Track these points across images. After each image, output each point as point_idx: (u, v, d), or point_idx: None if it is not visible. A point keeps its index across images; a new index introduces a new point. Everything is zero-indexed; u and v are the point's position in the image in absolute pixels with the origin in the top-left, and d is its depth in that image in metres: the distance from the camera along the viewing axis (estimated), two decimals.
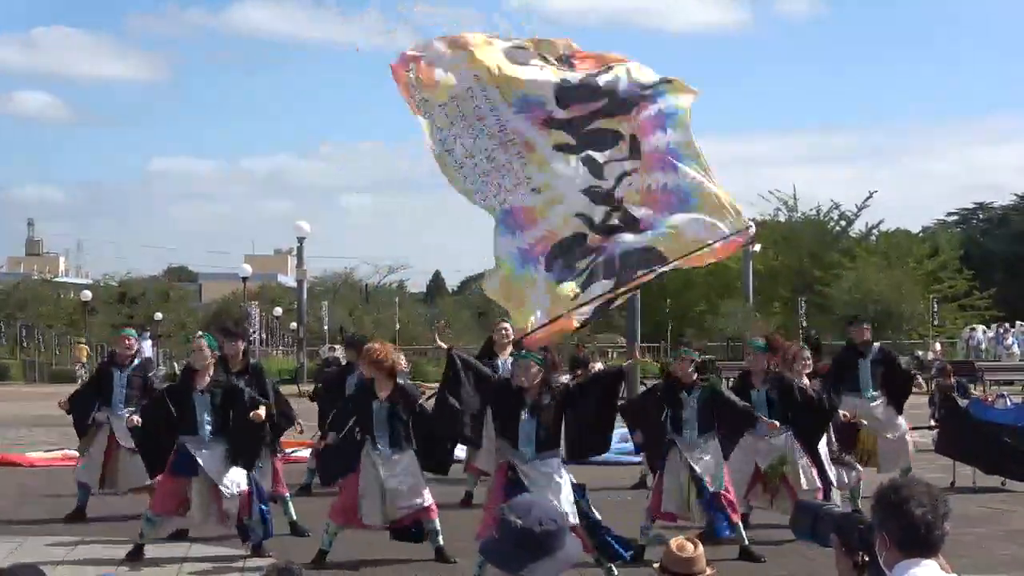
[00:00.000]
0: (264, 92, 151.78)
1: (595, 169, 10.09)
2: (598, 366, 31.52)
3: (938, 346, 39.50)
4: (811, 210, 52.54)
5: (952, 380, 17.30)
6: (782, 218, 52.85)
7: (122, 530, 11.16)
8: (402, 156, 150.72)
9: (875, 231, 52.93)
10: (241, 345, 11.86)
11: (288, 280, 74.50)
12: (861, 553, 3.79)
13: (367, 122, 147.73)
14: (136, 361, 12.53)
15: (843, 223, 52.57)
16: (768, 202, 52.59)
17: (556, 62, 10.52)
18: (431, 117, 10.38)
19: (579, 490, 9.05)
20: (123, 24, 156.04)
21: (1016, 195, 71.36)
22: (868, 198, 51.94)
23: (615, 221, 9.87)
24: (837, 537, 3.93)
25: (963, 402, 15.67)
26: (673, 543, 5.06)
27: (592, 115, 10.34)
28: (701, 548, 5.04)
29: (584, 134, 10.32)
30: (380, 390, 9.82)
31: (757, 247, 43.19)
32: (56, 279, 74.81)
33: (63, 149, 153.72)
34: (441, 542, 9.89)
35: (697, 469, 9.96)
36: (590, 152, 10.22)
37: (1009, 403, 15.87)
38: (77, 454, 12.88)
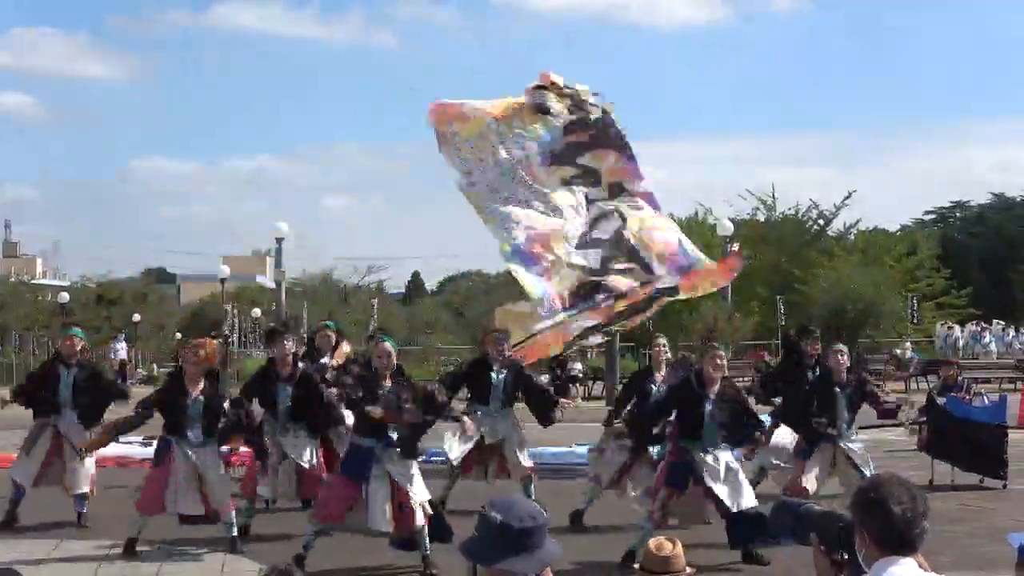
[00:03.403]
0: (244, 92, 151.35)
1: (588, 205, 12.13)
2: (577, 366, 31.75)
3: (908, 344, 39.47)
4: (790, 209, 52.73)
5: (956, 374, 17.41)
6: (761, 217, 52.97)
7: (105, 530, 11.13)
8: (380, 157, 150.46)
9: (853, 230, 53.09)
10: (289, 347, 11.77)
11: (267, 281, 74.34)
12: (840, 552, 3.79)
13: (346, 123, 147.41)
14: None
15: (821, 222, 52.74)
16: (747, 201, 52.77)
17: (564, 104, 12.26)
18: (457, 151, 11.77)
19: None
20: (103, 24, 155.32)
21: (992, 194, 71.83)
22: (847, 197, 52.09)
23: (622, 265, 11.92)
24: (816, 536, 3.94)
25: (941, 400, 15.70)
26: (652, 543, 5.07)
27: (581, 146, 12.19)
28: (680, 547, 5.05)
29: (578, 165, 12.22)
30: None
31: (735, 246, 43.27)
32: (33, 281, 74.40)
33: (41, 150, 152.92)
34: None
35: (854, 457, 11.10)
36: (583, 187, 12.27)
37: (986, 401, 15.95)
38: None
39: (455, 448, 12.32)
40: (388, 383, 9.67)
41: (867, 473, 10.84)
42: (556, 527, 10.84)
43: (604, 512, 12.08)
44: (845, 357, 11.43)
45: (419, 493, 9.62)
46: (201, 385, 10.55)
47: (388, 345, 9.81)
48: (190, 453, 10.32)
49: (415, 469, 9.68)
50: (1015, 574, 3.76)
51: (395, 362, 9.81)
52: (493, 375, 12.37)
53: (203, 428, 10.43)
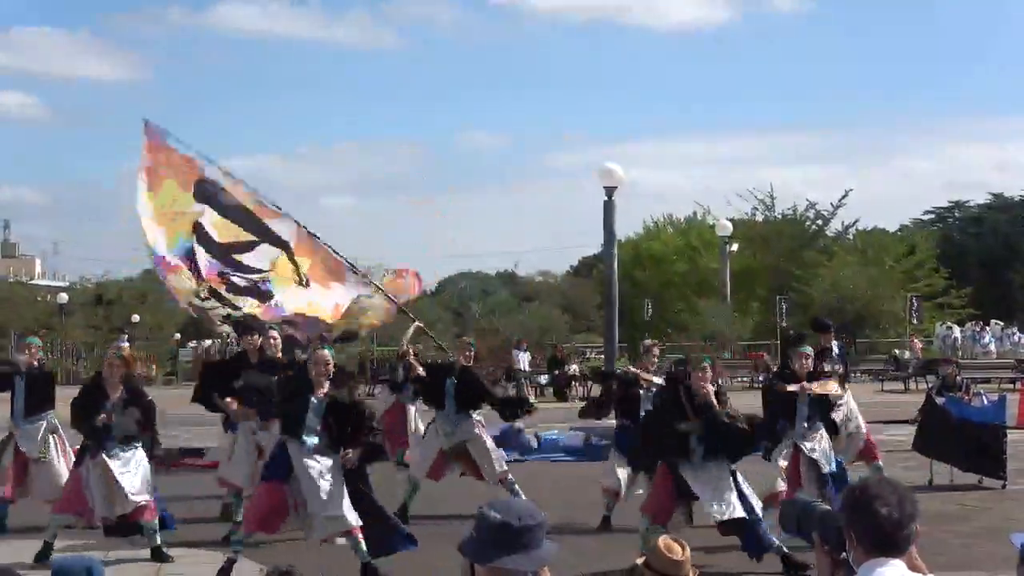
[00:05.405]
0: (244, 92, 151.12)
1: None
2: (574, 367, 31.70)
3: (918, 343, 39.44)
4: (788, 209, 52.76)
5: (955, 374, 17.48)
6: (759, 217, 53.01)
7: (101, 530, 11.11)
8: (381, 157, 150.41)
9: (852, 230, 53.12)
10: (258, 340, 12.18)
11: None
12: (841, 551, 3.79)
13: (346, 123, 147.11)
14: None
15: (820, 222, 52.79)
16: (746, 201, 52.79)
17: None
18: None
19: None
20: (103, 23, 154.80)
21: (991, 194, 71.83)
22: (844, 197, 52.17)
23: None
24: (818, 535, 3.94)
25: (940, 400, 15.71)
26: (661, 543, 5.02)
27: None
28: (688, 551, 5.02)
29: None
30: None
31: (735, 246, 43.30)
32: (32, 282, 74.28)
33: (40, 150, 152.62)
34: (158, 542, 10.38)
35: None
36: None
37: (985, 401, 15.94)
38: None
39: (417, 458, 12.96)
40: (322, 392, 9.53)
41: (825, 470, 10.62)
42: (557, 526, 10.84)
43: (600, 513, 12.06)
44: (809, 361, 10.96)
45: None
46: (120, 391, 10.54)
47: (326, 353, 9.75)
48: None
49: (321, 468, 9.45)
50: (1016, 573, 3.76)
51: (332, 370, 9.65)
52: (448, 381, 12.58)
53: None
